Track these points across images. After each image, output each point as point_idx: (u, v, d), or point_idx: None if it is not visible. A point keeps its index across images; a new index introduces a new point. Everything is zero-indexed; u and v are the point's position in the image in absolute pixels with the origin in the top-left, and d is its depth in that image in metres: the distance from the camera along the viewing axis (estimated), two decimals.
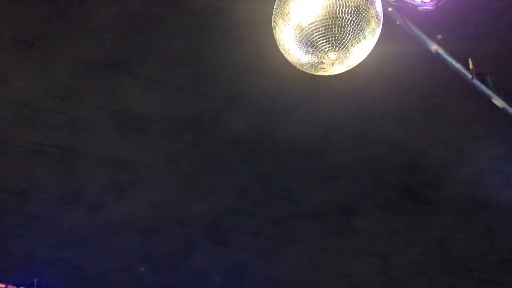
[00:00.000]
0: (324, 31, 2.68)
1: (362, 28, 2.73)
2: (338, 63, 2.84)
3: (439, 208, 8.16)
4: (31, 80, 5.45)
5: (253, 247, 9.14)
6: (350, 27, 2.68)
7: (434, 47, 3.20)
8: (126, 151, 6.73)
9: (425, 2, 3.09)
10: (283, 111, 6.14)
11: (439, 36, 3.12)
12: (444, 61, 3.26)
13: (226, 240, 8.94)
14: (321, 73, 2.98)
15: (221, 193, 7.78)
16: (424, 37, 3.17)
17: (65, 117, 6.12)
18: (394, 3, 3.19)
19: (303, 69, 3.00)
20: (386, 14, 3.07)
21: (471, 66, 3.26)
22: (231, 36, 4.73)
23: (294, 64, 2.97)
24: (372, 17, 2.79)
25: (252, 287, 10.57)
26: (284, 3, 2.77)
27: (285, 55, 2.96)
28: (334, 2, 2.65)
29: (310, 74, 3.22)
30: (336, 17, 2.66)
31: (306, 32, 2.71)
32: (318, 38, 2.69)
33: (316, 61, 2.85)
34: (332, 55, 2.78)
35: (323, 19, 2.67)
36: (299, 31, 2.74)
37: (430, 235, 8.97)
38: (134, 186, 7.43)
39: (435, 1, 3.07)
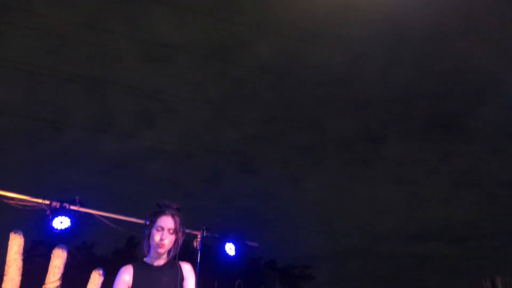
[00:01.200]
0: None
1: None
2: None
3: (469, 137, 8.04)
4: (58, 10, 5.42)
5: (280, 174, 9.38)
6: None
7: None
8: (154, 80, 6.78)
9: None
10: (312, 37, 5.97)
11: None
12: None
13: (253, 167, 9.17)
14: None
15: (248, 122, 7.86)
16: None
17: (92, 47, 6.14)
18: None
19: None
20: None
21: None
22: None
23: None
24: None
25: (279, 212, 11.00)
26: None
27: None
28: None
29: None
30: None
31: None
32: None
33: None
34: None
35: None
36: None
37: (458, 163, 8.94)
38: (163, 115, 7.58)
39: None
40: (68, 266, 3.64)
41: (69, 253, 3.70)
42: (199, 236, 3.41)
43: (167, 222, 1.96)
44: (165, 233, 1.97)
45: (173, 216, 1.96)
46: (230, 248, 4.04)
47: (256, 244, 4.08)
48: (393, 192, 10.18)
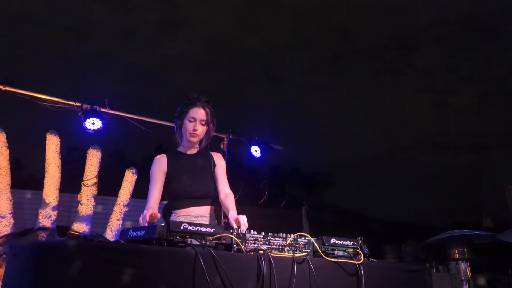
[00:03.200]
0: None
1: None
2: None
3: (507, 42, 7.58)
4: None
5: (306, 84, 9.22)
6: None
7: None
8: None
9: None
10: None
11: None
12: None
13: (278, 77, 9.02)
14: None
15: (273, 29, 7.57)
16: None
17: None
18: None
19: None
20: None
21: None
22: None
23: None
24: None
25: (304, 123, 11.00)
26: None
27: None
28: None
29: None
30: None
31: None
32: None
33: None
34: None
35: None
36: None
37: (493, 71, 8.53)
38: (186, 22, 7.34)
39: None
40: (102, 168, 3.88)
41: (102, 159, 3.93)
42: (225, 138, 3.53)
43: (199, 113, 2.03)
44: (197, 124, 2.05)
45: (204, 108, 2.03)
46: (255, 150, 4.18)
47: (281, 147, 4.20)
48: (421, 101, 9.95)
